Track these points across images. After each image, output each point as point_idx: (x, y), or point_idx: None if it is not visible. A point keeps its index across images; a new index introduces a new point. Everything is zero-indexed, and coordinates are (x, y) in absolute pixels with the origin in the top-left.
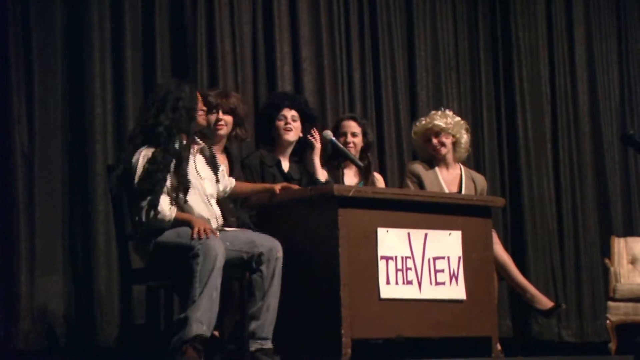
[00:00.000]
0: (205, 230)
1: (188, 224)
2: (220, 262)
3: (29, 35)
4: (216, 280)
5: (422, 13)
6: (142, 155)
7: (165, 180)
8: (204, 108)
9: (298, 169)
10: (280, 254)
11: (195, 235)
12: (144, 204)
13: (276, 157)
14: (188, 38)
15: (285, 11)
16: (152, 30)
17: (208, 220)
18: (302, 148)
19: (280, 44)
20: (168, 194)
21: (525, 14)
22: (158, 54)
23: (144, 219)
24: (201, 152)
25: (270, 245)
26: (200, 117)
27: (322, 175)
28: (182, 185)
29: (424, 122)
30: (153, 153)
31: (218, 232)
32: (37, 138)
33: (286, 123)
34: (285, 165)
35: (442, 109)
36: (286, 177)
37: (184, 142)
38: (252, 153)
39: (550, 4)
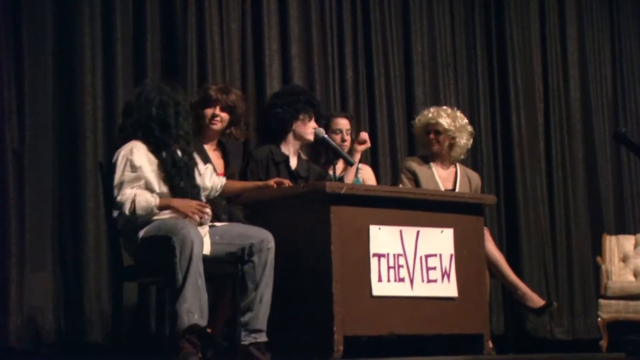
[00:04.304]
0: (193, 211)
1: (168, 207)
2: (198, 248)
3: (20, 31)
4: (198, 267)
5: (418, 9)
6: (128, 151)
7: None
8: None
9: (307, 167)
10: (271, 244)
11: (191, 217)
12: (124, 197)
13: (285, 154)
14: (178, 35)
15: (274, 8)
16: (142, 27)
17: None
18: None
19: (269, 41)
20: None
21: (519, 10)
22: (148, 51)
23: (127, 211)
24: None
25: (261, 236)
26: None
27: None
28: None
29: (429, 115)
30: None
31: (207, 227)
32: (28, 135)
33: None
34: (294, 162)
35: (455, 108)
36: (293, 174)
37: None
38: (261, 146)
39: (543, 0)
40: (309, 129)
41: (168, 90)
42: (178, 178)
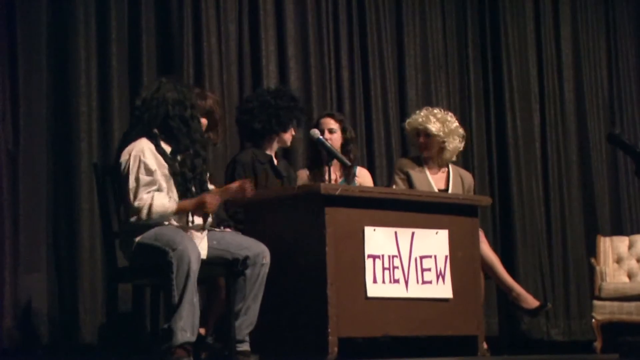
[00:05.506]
0: (206, 207)
1: (185, 211)
2: (195, 266)
3: (14, 32)
4: (194, 285)
5: (411, 11)
6: (139, 152)
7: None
8: None
9: (284, 166)
10: (267, 260)
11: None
12: (142, 202)
13: (268, 154)
14: (174, 36)
15: (271, 10)
16: (137, 28)
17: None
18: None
19: (266, 42)
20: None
21: (514, 11)
22: (144, 52)
23: (144, 217)
24: None
25: (257, 250)
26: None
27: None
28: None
29: (419, 120)
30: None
31: (207, 231)
32: (22, 136)
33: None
34: (274, 161)
35: (444, 110)
36: (279, 172)
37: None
38: (244, 150)
39: (537, 1)
40: (291, 136)
41: (186, 90)
42: (195, 185)
